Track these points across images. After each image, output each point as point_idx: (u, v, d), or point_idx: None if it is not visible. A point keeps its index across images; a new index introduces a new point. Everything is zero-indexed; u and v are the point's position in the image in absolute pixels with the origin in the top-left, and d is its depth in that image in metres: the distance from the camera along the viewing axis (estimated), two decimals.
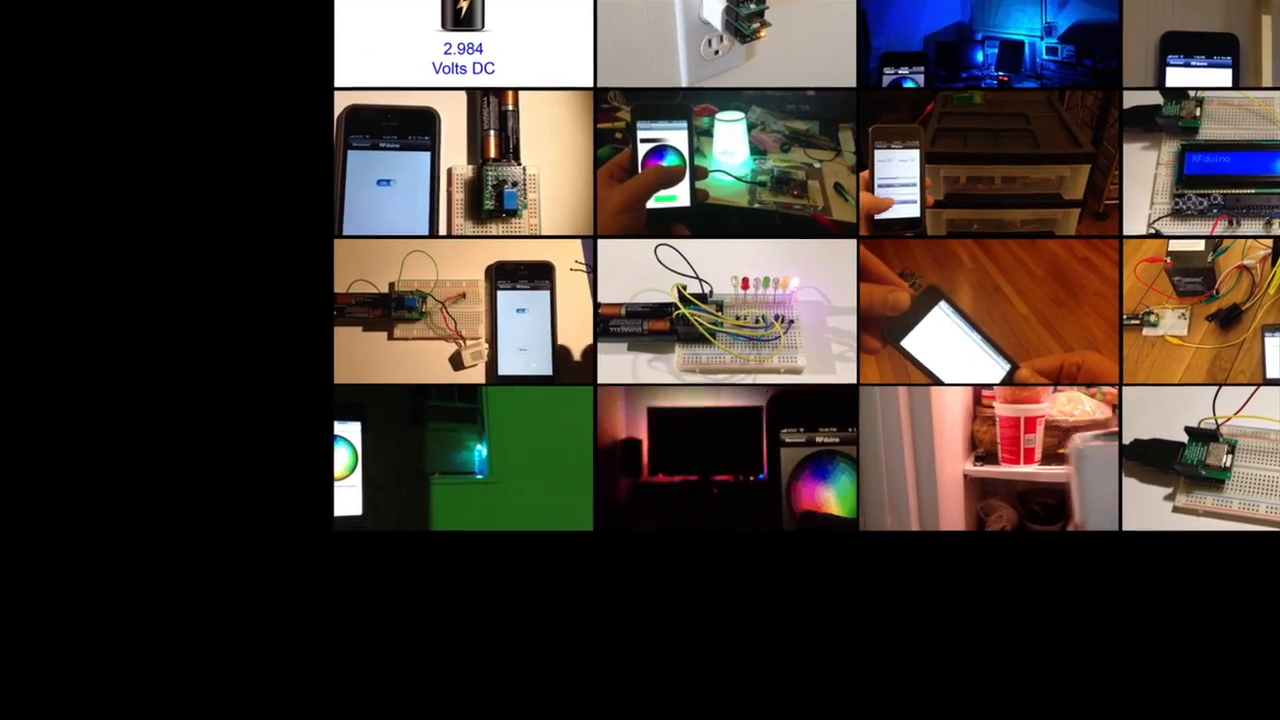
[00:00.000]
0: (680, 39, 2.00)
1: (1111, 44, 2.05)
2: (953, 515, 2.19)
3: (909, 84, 2.15)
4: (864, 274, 1.85)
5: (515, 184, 2.02)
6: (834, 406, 2.03)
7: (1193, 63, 2.10)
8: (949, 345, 1.86)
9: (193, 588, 1.95)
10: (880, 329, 1.88)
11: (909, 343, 1.87)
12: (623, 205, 1.95)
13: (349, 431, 2.01)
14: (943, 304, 1.84)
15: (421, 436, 2.08)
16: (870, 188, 1.92)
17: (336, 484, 2.00)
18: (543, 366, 2.01)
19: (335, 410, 2.00)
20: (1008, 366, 1.86)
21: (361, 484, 2.02)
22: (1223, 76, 2.10)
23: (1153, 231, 2.02)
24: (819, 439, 2.10)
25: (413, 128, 2.01)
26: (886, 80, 2.15)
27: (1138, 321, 2.06)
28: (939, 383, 1.90)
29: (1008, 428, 2.13)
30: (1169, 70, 2.11)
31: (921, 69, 2.17)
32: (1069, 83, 2.22)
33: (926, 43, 2.27)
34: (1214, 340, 2.04)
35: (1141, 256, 2.03)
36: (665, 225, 1.97)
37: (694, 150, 1.97)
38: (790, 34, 2.02)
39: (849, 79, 2.01)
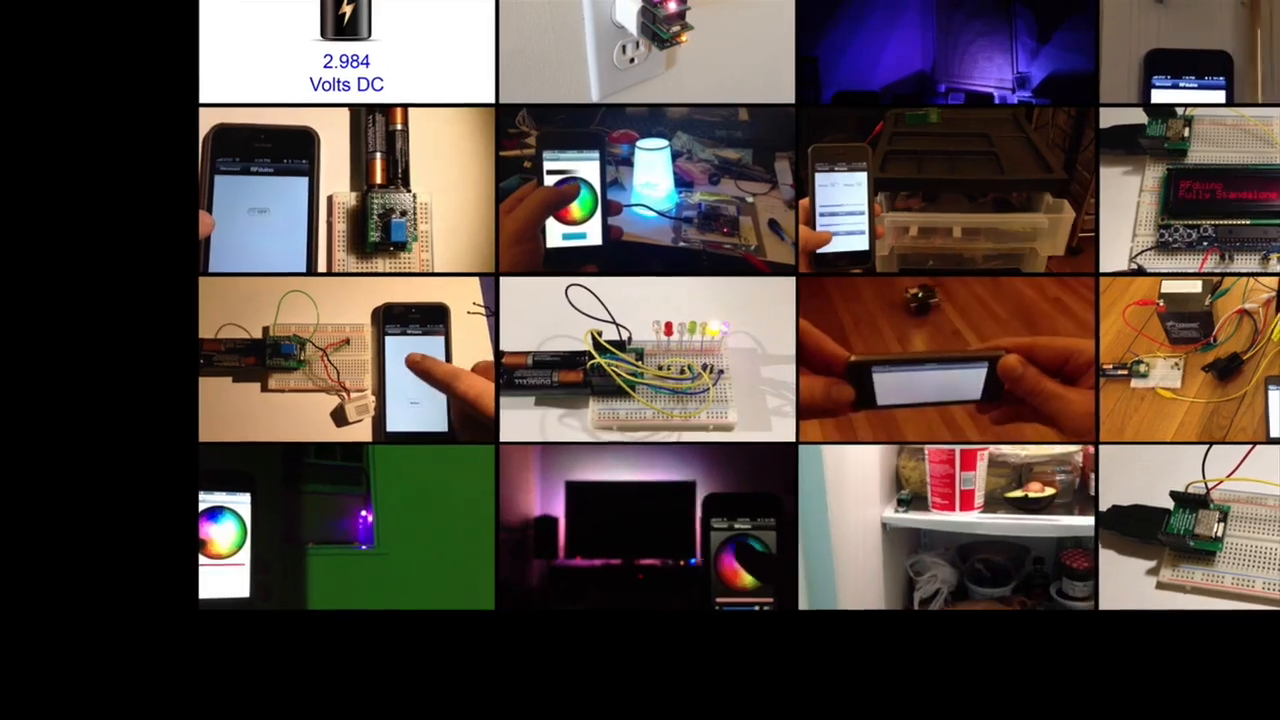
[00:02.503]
0: (590, 45, 1.62)
1: (1093, 98, 1.71)
2: (865, 575, 1.89)
3: None
4: (803, 356, 1.26)
5: (404, 213, 1.63)
6: (769, 502, 1.74)
7: (1181, 83, 1.77)
8: (916, 384, 1.46)
9: (36, 675, 1.55)
10: (850, 405, 1.47)
11: (885, 401, 1.49)
12: (513, 235, 1.55)
13: (237, 503, 1.63)
14: (874, 370, 1.44)
15: (297, 501, 1.70)
16: (810, 217, 1.50)
17: (221, 563, 1.62)
18: (437, 422, 1.63)
19: (222, 480, 1.62)
20: (984, 366, 1.28)
21: (250, 563, 1.64)
22: (1215, 100, 1.76)
23: (1134, 268, 1.70)
24: (745, 526, 1.76)
25: (289, 150, 1.62)
26: None
27: (1125, 372, 1.76)
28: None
29: (939, 464, 1.81)
30: (1154, 94, 1.77)
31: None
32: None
33: (884, 95, 1.96)
34: (1211, 393, 1.72)
35: (1130, 298, 1.70)
36: (572, 265, 1.58)
37: (606, 182, 1.59)
38: (718, 40, 1.64)
39: (787, 93, 1.63)
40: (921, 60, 2.04)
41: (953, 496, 1.83)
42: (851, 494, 1.79)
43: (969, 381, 1.34)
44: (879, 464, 1.88)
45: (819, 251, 1.50)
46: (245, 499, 1.65)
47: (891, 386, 1.36)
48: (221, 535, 1.63)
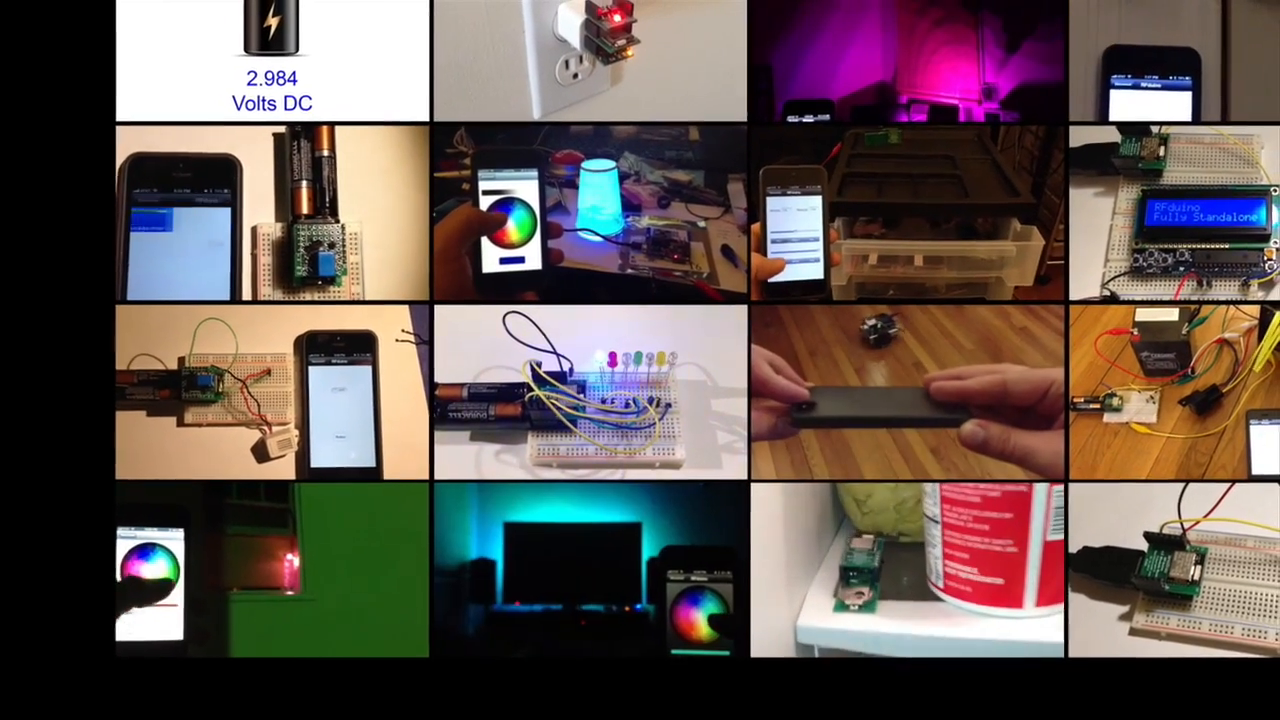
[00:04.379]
0: (531, 60, 1.43)
1: (1064, 109, 1.50)
2: None
3: None
4: (753, 387, 1.15)
5: (332, 246, 1.43)
6: (726, 555, 1.45)
7: (1143, 83, 1.53)
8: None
9: None
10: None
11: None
12: (435, 256, 1.38)
13: (169, 540, 1.40)
14: (820, 419, 1.24)
15: (219, 543, 1.49)
16: (762, 244, 1.31)
17: (156, 604, 1.40)
18: (364, 457, 1.44)
19: (150, 513, 1.41)
20: (940, 427, 1.13)
21: (184, 603, 1.40)
22: (1180, 102, 1.53)
23: (1106, 294, 1.51)
24: (702, 579, 1.50)
25: (209, 179, 1.43)
26: None
27: (1098, 405, 1.55)
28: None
29: (965, 510, 1.38)
30: (1113, 94, 1.54)
31: (828, 116, 1.64)
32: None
33: (841, 107, 1.74)
34: (1189, 428, 1.52)
35: (1103, 328, 1.51)
36: (510, 292, 1.36)
37: (547, 204, 1.38)
38: (666, 54, 1.45)
39: (740, 111, 1.44)
40: (883, 69, 1.84)
41: (1018, 569, 1.31)
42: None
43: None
44: (784, 493, 1.44)
45: (771, 280, 1.33)
46: (178, 535, 1.41)
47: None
48: (153, 574, 1.42)
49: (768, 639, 1.41)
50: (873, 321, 1.84)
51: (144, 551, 1.40)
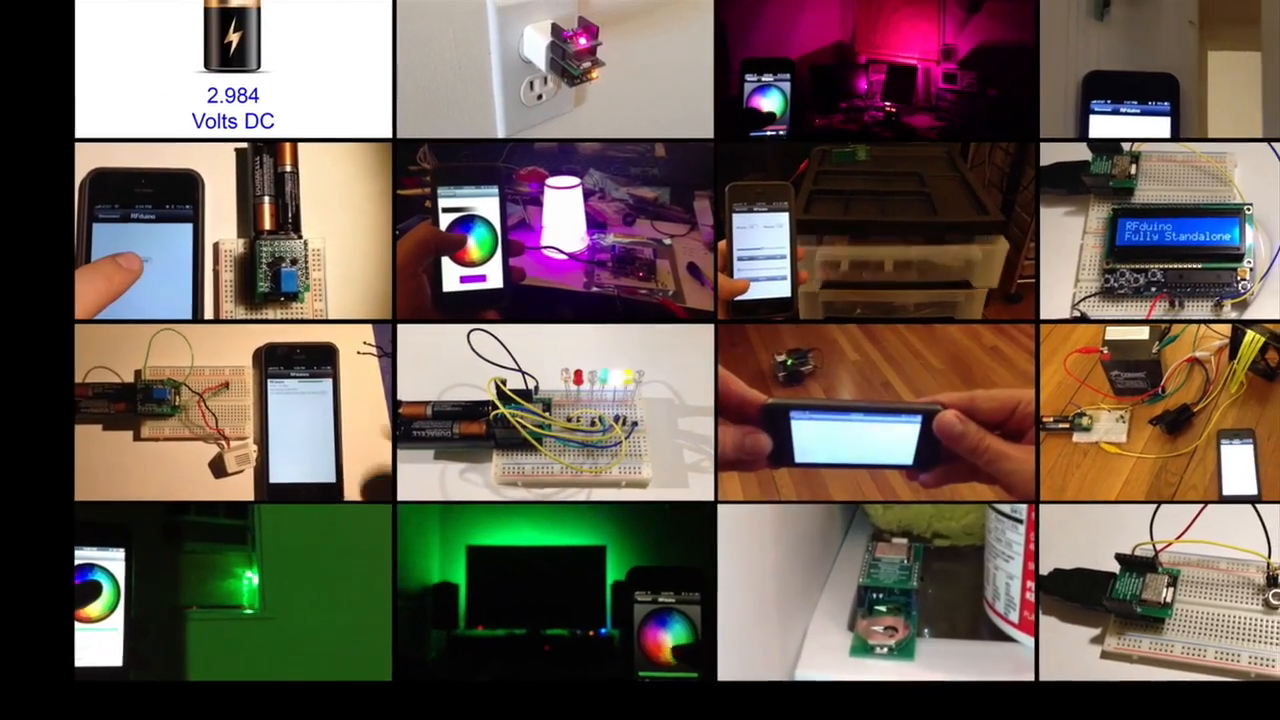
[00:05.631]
0: (496, 80, 1.38)
1: (1021, 71, 1.45)
2: None
3: (774, 92, 1.57)
4: (720, 401, 1.07)
5: (295, 261, 1.38)
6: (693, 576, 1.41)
7: (1122, 109, 1.50)
8: (839, 438, 1.18)
9: None
10: (767, 459, 1.23)
11: (804, 459, 1.23)
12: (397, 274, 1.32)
13: (108, 560, 1.35)
14: (792, 415, 1.19)
15: (176, 561, 1.44)
16: (729, 262, 1.26)
17: (92, 627, 1.34)
18: (324, 473, 1.37)
19: (91, 533, 1.35)
20: (917, 419, 1.04)
21: (123, 627, 1.35)
22: (1159, 127, 1.49)
23: (1077, 314, 1.45)
24: (669, 600, 1.46)
25: (171, 195, 1.37)
26: (748, 89, 1.56)
27: (1067, 425, 1.50)
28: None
29: None
30: (1093, 119, 1.50)
31: (787, 76, 1.59)
32: (969, 116, 1.62)
33: (799, 66, 1.68)
34: (1159, 448, 1.48)
35: (1073, 347, 1.47)
36: (471, 310, 1.31)
37: (508, 220, 1.33)
38: (631, 74, 1.40)
39: (705, 128, 1.39)
40: (841, 29, 1.79)
41: None
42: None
43: (900, 439, 1.09)
44: (778, 521, 1.32)
45: (738, 299, 1.29)
46: (119, 555, 1.36)
47: (812, 438, 1.11)
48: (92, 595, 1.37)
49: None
50: (782, 358, 1.75)
51: (81, 573, 1.33)
